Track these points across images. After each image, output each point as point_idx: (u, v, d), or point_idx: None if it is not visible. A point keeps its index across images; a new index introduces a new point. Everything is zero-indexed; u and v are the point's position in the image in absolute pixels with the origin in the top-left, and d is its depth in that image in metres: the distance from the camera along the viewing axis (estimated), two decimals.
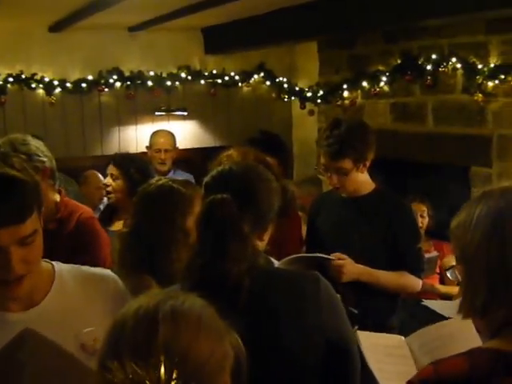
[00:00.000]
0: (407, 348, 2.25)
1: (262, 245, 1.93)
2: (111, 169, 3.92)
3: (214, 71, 6.65)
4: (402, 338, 2.31)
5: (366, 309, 2.86)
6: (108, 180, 3.94)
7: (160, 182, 2.49)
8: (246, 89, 6.92)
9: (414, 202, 4.51)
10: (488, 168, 4.90)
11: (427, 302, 3.82)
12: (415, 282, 3.06)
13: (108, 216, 3.92)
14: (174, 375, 1.00)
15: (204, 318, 1.13)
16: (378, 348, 2.24)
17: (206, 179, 1.96)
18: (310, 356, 1.76)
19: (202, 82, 6.62)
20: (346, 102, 5.96)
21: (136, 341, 1.07)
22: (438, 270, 4.71)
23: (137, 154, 5.84)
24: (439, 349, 2.14)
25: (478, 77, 4.82)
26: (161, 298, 1.14)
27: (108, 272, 2.01)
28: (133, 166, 3.85)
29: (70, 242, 2.86)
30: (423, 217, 4.73)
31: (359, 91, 5.90)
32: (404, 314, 3.20)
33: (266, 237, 1.95)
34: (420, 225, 4.39)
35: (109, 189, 3.91)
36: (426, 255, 3.94)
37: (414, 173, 5.39)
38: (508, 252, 1.36)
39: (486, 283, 1.38)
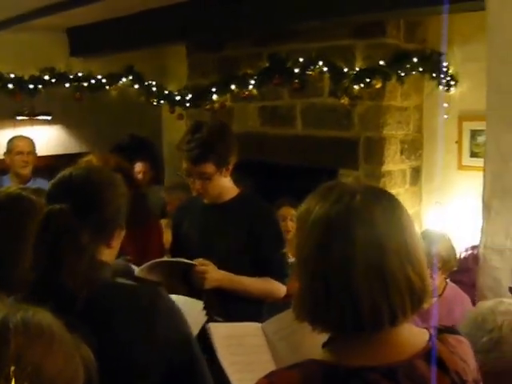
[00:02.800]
0: (263, 335, 2.21)
1: (111, 252, 1.85)
2: None
3: (80, 74, 6.39)
4: (259, 325, 2.27)
5: (230, 315, 2.80)
6: None
7: (9, 190, 2.35)
8: (114, 92, 6.73)
9: (283, 206, 4.50)
10: (355, 170, 4.99)
11: None
12: (279, 288, 3.02)
13: None
14: None
15: (56, 330, 1.09)
16: (232, 339, 2.19)
17: (48, 187, 1.86)
18: (154, 368, 1.69)
19: (67, 85, 6.34)
20: (216, 105, 5.90)
21: None
22: None
23: None
24: (295, 333, 2.10)
25: (344, 80, 4.89)
26: (8, 310, 1.08)
27: None
28: None
29: None
30: (292, 220, 4.71)
31: (228, 94, 5.85)
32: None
33: (116, 243, 1.85)
34: (290, 229, 4.37)
35: None
36: (292, 259, 3.92)
37: (283, 176, 5.39)
38: (334, 263, 1.27)
39: (310, 292, 1.30)
